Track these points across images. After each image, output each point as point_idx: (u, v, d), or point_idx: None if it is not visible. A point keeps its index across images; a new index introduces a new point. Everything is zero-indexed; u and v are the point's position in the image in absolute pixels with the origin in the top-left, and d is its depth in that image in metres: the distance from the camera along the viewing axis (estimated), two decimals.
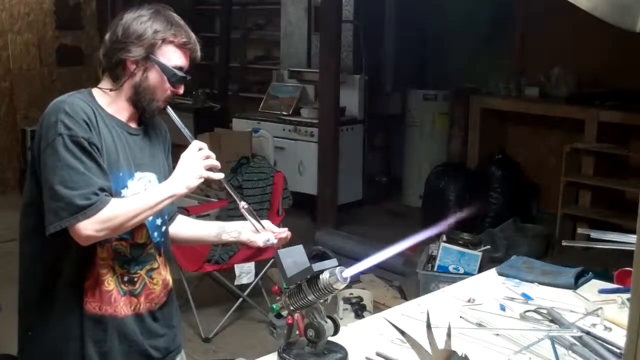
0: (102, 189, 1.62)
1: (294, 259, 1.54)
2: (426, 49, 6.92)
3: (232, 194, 1.86)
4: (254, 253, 4.03)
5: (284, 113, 6.36)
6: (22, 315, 1.91)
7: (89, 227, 1.60)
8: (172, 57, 1.74)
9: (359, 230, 5.54)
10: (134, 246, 1.76)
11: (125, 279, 1.76)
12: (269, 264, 4.06)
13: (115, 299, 1.74)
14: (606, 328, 1.77)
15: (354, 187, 6.29)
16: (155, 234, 1.82)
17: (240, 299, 4.05)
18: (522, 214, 5.59)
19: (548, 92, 5.74)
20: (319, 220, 5.68)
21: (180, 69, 1.75)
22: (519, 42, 6.17)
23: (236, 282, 3.91)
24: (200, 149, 1.73)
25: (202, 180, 1.72)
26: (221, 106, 7.36)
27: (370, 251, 1.49)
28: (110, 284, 1.74)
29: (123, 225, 1.65)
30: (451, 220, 5.08)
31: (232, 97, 7.67)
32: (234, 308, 4.00)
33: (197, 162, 1.71)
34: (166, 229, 1.89)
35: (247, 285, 4.02)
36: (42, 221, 1.65)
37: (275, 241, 1.85)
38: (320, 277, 1.46)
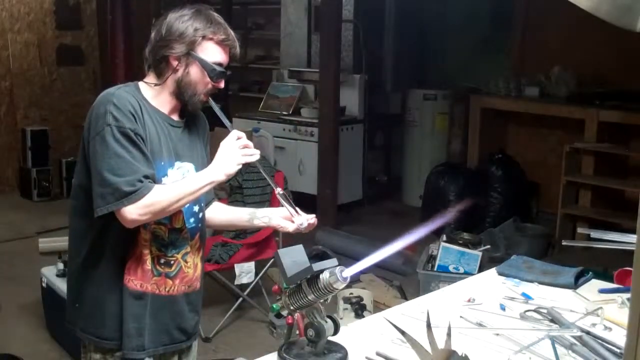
0: (146, 176, 1.74)
1: (294, 258, 1.54)
2: (426, 48, 6.92)
3: (267, 179, 1.97)
4: (254, 253, 4.04)
5: (284, 113, 6.36)
6: (69, 288, 2.02)
7: (133, 212, 1.72)
8: (212, 53, 1.85)
9: (359, 230, 5.54)
10: (171, 231, 1.88)
11: (162, 261, 1.88)
12: (269, 264, 4.06)
13: (148, 277, 1.86)
14: (606, 328, 1.77)
15: (354, 187, 6.29)
16: (192, 219, 1.93)
17: (240, 299, 4.05)
18: (522, 214, 5.59)
19: (548, 92, 5.74)
20: (319, 220, 5.67)
21: (219, 64, 1.86)
22: (519, 42, 6.17)
23: (236, 282, 3.91)
24: (238, 138, 1.81)
25: (240, 166, 1.81)
26: (221, 106, 7.33)
27: (370, 251, 1.49)
28: (149, 264, 1.85)
29: (165, 210, 1.77)
30: (450, 215, 5.09)
31: (232, 96, 7.66)
32: (234, 308, 4.00)
33: (236, 150, 1.80)
34: (203, 216, 1.99)
35: (247, 285, 4.02)
36: (89, 202, 1.78)
37: (305, 225, 1.96)
38: (320, 277, 1.46)
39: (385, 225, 5.72)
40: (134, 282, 1.85)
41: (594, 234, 2.03)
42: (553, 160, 5.72)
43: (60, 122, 7.15)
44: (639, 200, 1.00)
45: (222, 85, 1.89)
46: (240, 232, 4.18)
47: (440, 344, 1.38)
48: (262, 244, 4.06)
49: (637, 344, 0.85)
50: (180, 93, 1.86)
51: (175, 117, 1.92)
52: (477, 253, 3.81)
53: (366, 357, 1.61)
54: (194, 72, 1.84)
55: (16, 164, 6.92)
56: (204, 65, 1.83)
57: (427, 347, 1.39)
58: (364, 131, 6.35)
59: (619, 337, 1.68)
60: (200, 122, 2.02)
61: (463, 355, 1.37)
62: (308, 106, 6.29)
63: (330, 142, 5.66)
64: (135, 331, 1.86)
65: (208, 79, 1.85)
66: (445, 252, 3.83)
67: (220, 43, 1.85)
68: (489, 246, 4.05)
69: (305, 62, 6.69)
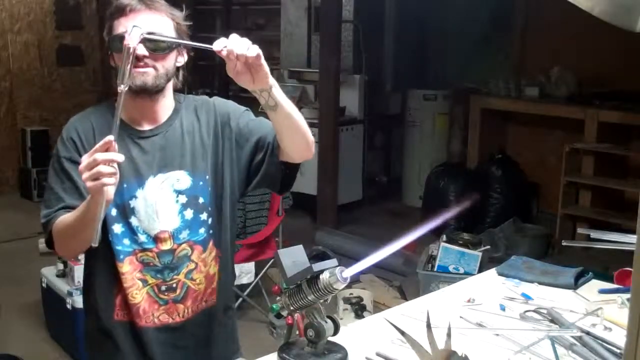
0: (66, 207, 1.66)
1: (294, 259, 1.53)
2: (426, 49, 6.92)
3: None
4: (254, 253, 4.03)
5: None
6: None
7: (54, 244, 1.68)
8: (115, 30, 1.67)
9: (359, 230, 5.53)
10: (161, 254, 1.72)
11: (163, 288, 1.73)
12: (269, 264, 4.06)
13: (144, 310, 1.73)
14: (606, 328, 1.77)
15: (354, 187, 6.28)
16: (201, 230, 1.75)
17: (240, 299, 4.04)
18: (522, 214, 5.59)
19: (548, 92, 5.74)
20: (319, 220, 5.68)
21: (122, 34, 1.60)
22: (519, 42, 6.17)
23: (236, 282, 3.90)
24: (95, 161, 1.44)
25: (99, 186, 1.44)
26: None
27: (370, 251, 1.49)
28: (136, 296, 1.72)
29: (73, 243, 1.64)
30: (450, 215, 5.09)
31: (232, 97, 7.64)
32: None
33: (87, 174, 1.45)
34: (220, 219, 1.79)
35: (247, 285, 4.01)
36: None
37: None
38: (320, 277, 1.46)
39: (385, 226, 5.71)
40: (125, 316, 1.74)
41: (594, 234, 2.03)
42: (553, 160, 5.71)
43: (60, 122, 7.09)
44: (639, 201, 1.00)
45: (132, 43, 1.51)
46: (240, 233, 4.19)
47: (440, 345, 1.38)
48: (262, 244, 4.06)
49: (637, 344, 0.85)
50: (128, 86, 1.54)
51: (149, 126, 1.74)
52: (477, 253, 3.81)
53: (366, 358, 1.60)
54: (115, 57, 1.67)
55: (16, 164, 6.92)
56: (109, 45, 1.67)
57: (427, 347, 1.39)
58: (364, 131, 6.34)
59: (619, 338, 1.68)
60: (202, 110, 1.79)
61: (463, 356, 1.37)
62: (308, 106, 6.29)
63: (330, 142, 5.66)
64: None
65: (121, 53, 1.54)
66: (445, 252, 3.83)
67: (117, 15, 1.66)
68: (489, 246, 4.05)
69: (305, 63, 6.68)
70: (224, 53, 1.46)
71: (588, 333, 1.68)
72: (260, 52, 1.48)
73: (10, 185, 6.96)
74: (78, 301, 3.43)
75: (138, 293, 1.72)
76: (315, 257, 1.54)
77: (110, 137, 1.43)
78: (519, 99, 5.85)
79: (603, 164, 5.30)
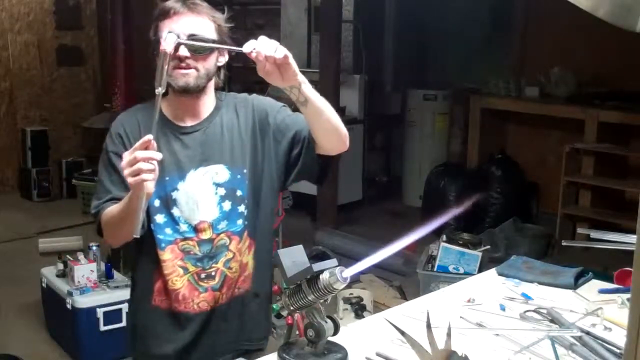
0: (113, 199, 1.75)
1: (294, 259, 1.53)
2: (426, 49, 6.92)
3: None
4: None
5: None
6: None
7: (103, 233, 1.79)
8: (158, 33, 1.72)
9: (359, 230, 5.53)
10: (201, 243, 1.80)
11: (203, 275, 1.81)
12: None
13: (184, 296, 1.80)
14: (606, 328, 1.77)
15: (354, 187, 6.28)
16: (238, 221, 1.82)
17: None
18: (522, 214, 5.59)
19: (548, 92, 5.74)
20: (319, 220, 5.68)
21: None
22: (519, 42, 6.17)
23: None
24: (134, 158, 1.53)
25: (139, 181, 1.53)
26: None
27: (370, 251, 1.49)
28: (176, 282, 1.80)
29: (118, 233, 1.74)
30: (450, 216, 5.09)
31: None
32: None
33: (127, 169, 1.55)
34: (255, 210, 1.84)
35: None
36: None
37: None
38: (320, 277, 1.46)
39: (385, 226, 5.72)
40: (164, 302, 1.83)
41: (594, 234, 2.03)
42: (553, 160, 5.72)
43: (60, 122, 7.15)
44: (639, 201, 1.00)
45: (169, 48, 1.60)
46: None
47: (440, 344, 1.38)
48: None
49: (637, 344, 0.85)
50: (169, 86, 1.71)
51: (191, 122, 1.82)
52: (477, 253, 3.81)
53: (366, 358, 1.60)
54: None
55: (16, 164, 6.92)
56: (153, 47, 1.71)
57: (427, 347, 1.39)
58: (364, 131, 6.34)
59: (619, 338, 1.68)
60: (242, 108, 1.86)
61: (463, 356, 1.37)
62: None
63: None
64: (180, 352, 1.85)
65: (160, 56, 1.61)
66: (445, 252, 3.83)
67: (161, 18, 1.72)
68: (489, 246, 4.04)
69: (305, 62, 6.68)
70: (253, 55, 1.55)
71: (588, 333, 1.68)
72: (287, 52, 1.56)
73: (10, 185, 6.97)
74: (78, 301, 3.43)
75: (179, 280, 1.80)
76: (315, 257, 1.55)
77: (150, 136, 1.53)
78: (519, 99, 5.85)
79: (603, 164, 5.30)
